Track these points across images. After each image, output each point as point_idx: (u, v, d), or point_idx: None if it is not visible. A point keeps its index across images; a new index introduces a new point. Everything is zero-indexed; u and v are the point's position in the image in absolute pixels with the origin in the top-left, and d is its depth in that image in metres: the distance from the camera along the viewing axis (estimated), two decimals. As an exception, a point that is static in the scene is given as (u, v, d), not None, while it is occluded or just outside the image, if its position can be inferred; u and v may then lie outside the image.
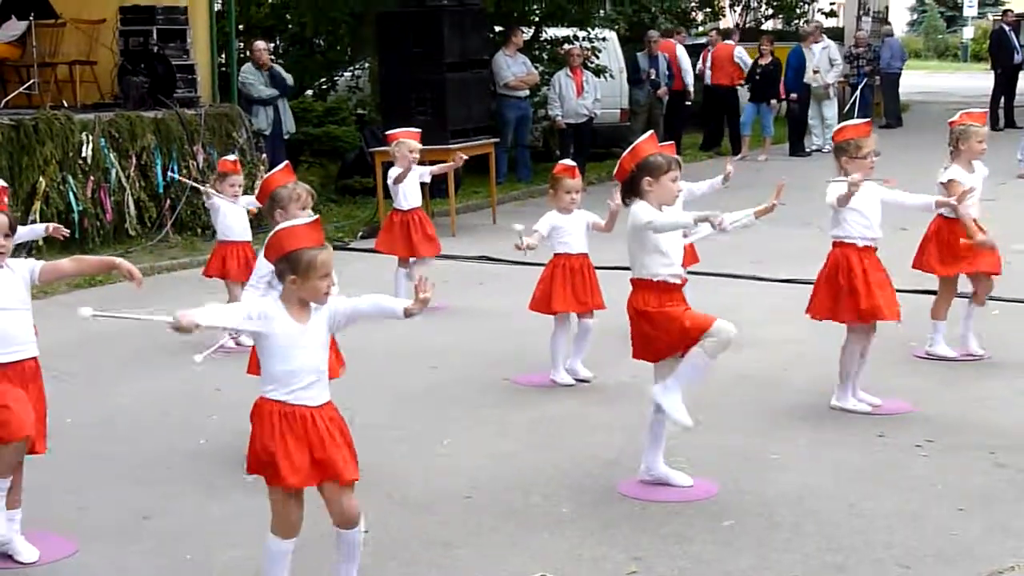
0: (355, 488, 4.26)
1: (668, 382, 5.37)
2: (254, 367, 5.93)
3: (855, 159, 6.41)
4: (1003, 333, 8.09)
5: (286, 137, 14.47)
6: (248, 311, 4.27)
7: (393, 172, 9.31)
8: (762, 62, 19.45)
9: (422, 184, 9.67)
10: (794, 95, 19.79)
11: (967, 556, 4.74)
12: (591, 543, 4.93)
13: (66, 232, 6.80)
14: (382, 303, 4.48)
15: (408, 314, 4.33)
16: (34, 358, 4.81)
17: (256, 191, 6.10)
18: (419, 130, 9.75)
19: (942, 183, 7.30)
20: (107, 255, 10.98)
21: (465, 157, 10.35)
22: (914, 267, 7.65)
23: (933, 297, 7.85)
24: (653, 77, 18.52)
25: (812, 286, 6.73)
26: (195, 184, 9.10)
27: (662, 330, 5.34)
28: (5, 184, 6.25)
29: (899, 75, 23.88)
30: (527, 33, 17.57)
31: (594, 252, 7.34)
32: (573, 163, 7.44)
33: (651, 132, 5.74)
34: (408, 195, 9.34)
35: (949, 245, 7.43)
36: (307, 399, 4.24)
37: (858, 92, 18.59)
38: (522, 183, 16.12)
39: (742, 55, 20.06)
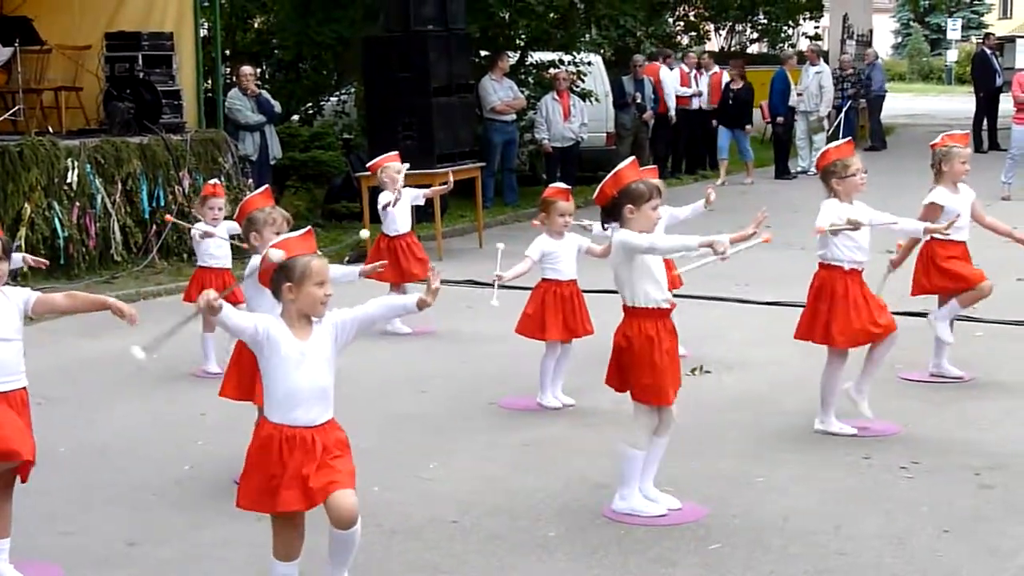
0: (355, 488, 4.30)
1: (623, 491, 5.42)
2: (228, 389, 5.92)
3: (845, 178, 6.42)
4: (987, 354, 8.12)
5: (272, 162, 14.47)
6: (256, 323, 4.28)
7: (383, 198, 9.26)
8: (733, 87, 19.46)
9: (416, 207, 9.63)
10: (780, 118, 19.86)
11: (953, 577, 4.75)
12: (578, 567, 4.92)
13: (45, 263, 6.78)
14: (392, 302, 4.52)
15: (421, 305, 4.33)
16: (24, 388, 4.80)
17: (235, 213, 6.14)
18: (396, 152, 9.72)
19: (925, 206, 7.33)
20: (92, 281, 11.03)
21: (451, 182, 10.34)
22: (913, 295, 7.65)
23: (918, 319, 7.87)
24: (639, 101, 18.59)
25: (798, 308, 6.73)
26: (178, 221, 9.37)
27: (644, 365, 5.33)
28: None
29: (883, 98, 24.05)
30: (513, 58, 17.63)
31: (580, 276, 7.33)
32: (566, 186, 7.42)
33: (633, 158, 5.75)
34: (398, 220, 9.32)
35: (936, 263, 7.45)
36: (308, 420, 4.25)
37: (842, 115, 18.66)
38: (509, 207, 16.15)
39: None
